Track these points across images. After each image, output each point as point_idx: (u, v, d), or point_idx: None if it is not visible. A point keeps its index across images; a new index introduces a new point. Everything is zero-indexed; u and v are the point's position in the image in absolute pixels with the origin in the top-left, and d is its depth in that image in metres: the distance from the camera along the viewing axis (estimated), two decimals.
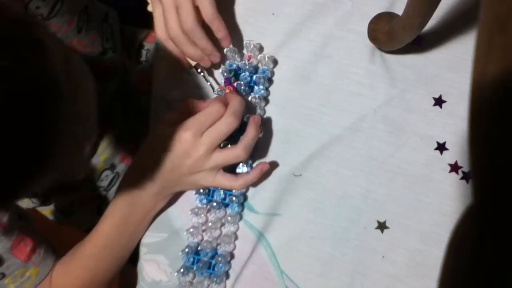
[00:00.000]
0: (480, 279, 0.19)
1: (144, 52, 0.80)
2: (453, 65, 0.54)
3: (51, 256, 0.54)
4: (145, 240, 0.55)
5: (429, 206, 0.52)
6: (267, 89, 0.55)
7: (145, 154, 0.51)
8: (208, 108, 0.48)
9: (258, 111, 0.54)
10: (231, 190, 0.53)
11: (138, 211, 0.51)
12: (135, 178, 0.50)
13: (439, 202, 0.52)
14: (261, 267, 0.53)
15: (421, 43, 0.54)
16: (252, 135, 0.49)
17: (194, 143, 0.47)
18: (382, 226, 0.52)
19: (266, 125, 0.55)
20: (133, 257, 0.56)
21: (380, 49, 0.54)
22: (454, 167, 0.52)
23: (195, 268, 0.52)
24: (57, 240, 0.58)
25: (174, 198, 0.55)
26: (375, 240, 0.52)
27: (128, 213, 0.51)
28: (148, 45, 0.80)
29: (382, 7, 0.54)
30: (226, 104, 0.48)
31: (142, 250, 0.56)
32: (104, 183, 0.76)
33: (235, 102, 0.48)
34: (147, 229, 0.55)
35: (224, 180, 0.49)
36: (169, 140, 0.48)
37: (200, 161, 0.48)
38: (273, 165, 0.54)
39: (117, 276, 0.57)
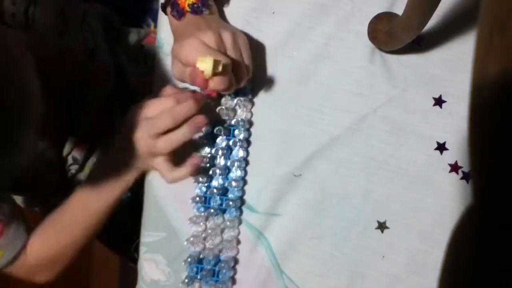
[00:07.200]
0: (480, 279, 0.19)
1: (143, 53, 0.80)
2: (453, 65, 0.53)
3: (22, 236, 0.56)
4: (144, 239, 0.55)
5: (429, 206, 0.52)
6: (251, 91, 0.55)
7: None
8: (162, 100, 0.50)
9: (245, 113, 0.54)
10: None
11: (110, 177, 0.54)
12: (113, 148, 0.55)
13: (439, 202, 0.52)
14: (261, 267, 0.53)
15: (421, 43, 0.54)
16: (182, 134, 0.49)
17: (136, 123, 0.50)
18: (382, 226, 0.52)
19: (266, 125, 0.55)
20: (134, 257, 0.57)
21: (380, 49, 0.54)
22: (454, 167, 0.52)
23: (199, 277, 0.52)
24: None
25: (173, 197, 0.55)
26: (375, 240, 0.52)
27: (102, 176, 0.54)
28: (147, 46, 0.80)
29: (382, 7, 0.54)
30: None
31: (142, 249, 0.56)
32: None
33: (182, 107, 0.49)
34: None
35: (161, 166, 0.51)
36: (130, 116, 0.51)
37: (138, 141, 0.50)
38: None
39: (117, 275, 0.58)
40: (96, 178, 0.55)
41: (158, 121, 0.49)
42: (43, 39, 0.56)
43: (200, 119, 0.49)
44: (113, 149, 0.54)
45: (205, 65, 0.43)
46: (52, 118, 0.61)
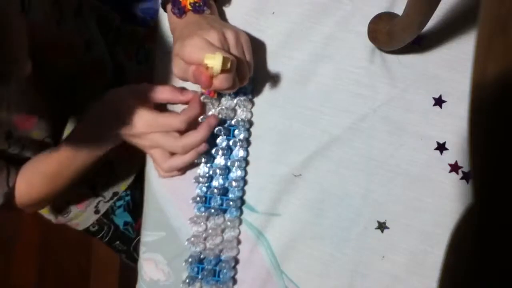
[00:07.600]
0: (480, 279, 0.19)
1: (144, 53, 0.80)
2: (453, 65, 0.54)
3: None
4: (144, 238, 0.55)
5: (429, 206, 0.52)
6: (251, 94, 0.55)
7: (111, 96, 0.54)
8: (173, 120, 0.50)
9: (245, 113, 0.54)
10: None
11: (101, 139, 0.56)
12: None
13: (439, 202, 0.52)
14: (261, 268, 0.53)
15: (421, 43, 0.54)
16: (187, 159, 0.52)
17: (138, 130, 0.51)
18: (382, 226, 0.52)
19: (266, 125, 0.55)
20: (134, 256, 0.56)
21: (380, 49, 0.54)
22: (454, 167, 0.52)
23: (200, 277, 0.52)
24: (57, 239, 0.58)
25: (173, 196, 0.55)
26: (375, 240, 0.52)
27: (93, 137, 0.56)
28: (147, 46, 0.80)
29: (382, 7, 0.54)
30: (188, 124, 0.51)
31: (142, 249, 0.56)
32: (102, 182, 0.76)
33: (193, 138, 0.50)
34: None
35: (156, 155, 0.52)
36: (123, 103, 0.52)
37: (142, 148, 0.53)
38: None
39: (117, 275, 0.57)
40: (87, 137, 0.56)
41: (166, 144, 0.51)
42: (41, 27, 0.55)
43: (204, 147, 0.51)
44: (111, 118, 0.54)
45: (214, 61, 0.43)
46: (50, 109, 0.61)
